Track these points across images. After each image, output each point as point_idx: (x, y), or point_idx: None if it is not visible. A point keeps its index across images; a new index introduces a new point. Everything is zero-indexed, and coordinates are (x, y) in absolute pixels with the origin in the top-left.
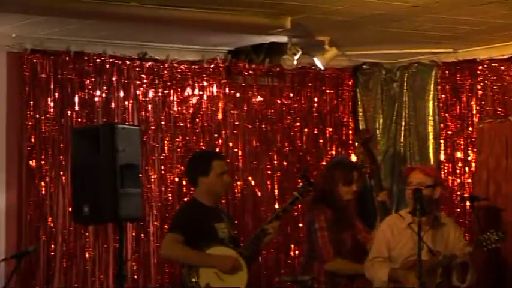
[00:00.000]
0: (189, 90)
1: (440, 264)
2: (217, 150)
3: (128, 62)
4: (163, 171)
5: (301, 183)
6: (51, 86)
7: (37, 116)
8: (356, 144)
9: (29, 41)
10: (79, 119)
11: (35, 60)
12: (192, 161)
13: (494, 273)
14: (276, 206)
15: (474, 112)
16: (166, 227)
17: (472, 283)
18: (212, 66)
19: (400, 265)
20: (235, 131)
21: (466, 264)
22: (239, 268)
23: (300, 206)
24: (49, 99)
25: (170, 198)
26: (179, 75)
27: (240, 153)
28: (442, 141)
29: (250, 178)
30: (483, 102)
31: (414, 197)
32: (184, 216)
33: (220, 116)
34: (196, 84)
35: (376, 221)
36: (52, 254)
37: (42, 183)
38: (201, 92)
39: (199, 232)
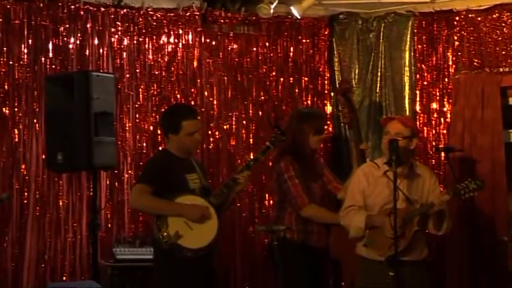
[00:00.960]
0: (164, 38)
1: (418, 213)
2: (192, 99)
3: (102, 9)
4: (137, 120)
5: (274, 133)
6: (25, 33)
7: (10, 62)
8: (332, 94)
9: None
10: (53, 66)
11: (8, 6)
12: (163, 118)
13: (468, 224)
14: (251, 155)
15: (450, 63)
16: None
17: (447, 231)
18: (188, 14)
19: (376, 213)
20: (210, 80)
21: (442, 213)
22: (208, 217)
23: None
24: (23, 46)
25: (145, 146)
26: (154, 23)
27: (215, 102)
28: (417, 91)
29: (225, 127)
30: (459, 53)
31: (390, 148)
32: (154, 166)
33: (195, 65)
34: (171, 32)
35: (353, 171)
36: (25, 201)
37: (16, 131)
38: (176, 40)
39: (169, 182)
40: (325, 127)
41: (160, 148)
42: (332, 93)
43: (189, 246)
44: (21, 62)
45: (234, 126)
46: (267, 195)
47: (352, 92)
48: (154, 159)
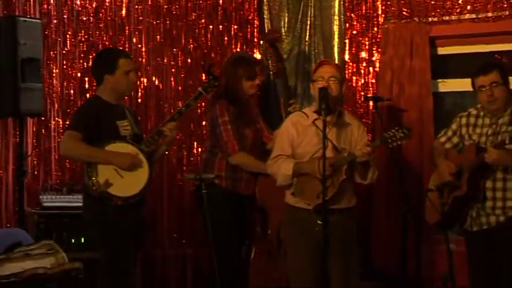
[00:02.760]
0: None
1: (344, 161)
2: (120, 46)
3: None
4: (65, 66)
5: (206, 79)
6: None
7: None
8: (261, 42)
9: None
10: None
11: None
12: (98, 58)
13: (396, 172)
14: (180, 103)
15: (379, 12)
16: (67, 122)
17: (373, 180)
18: None
19: (306, 160)
20: (139, 27)
21: (367, 162)
22: (139, 165)
23: (203, 103)
24: None
25: (72, 93)
26: None
27: (143, 49)
28: (346, 41)
29: (154, 78)
30: (388, 3)
31: (320, 96)
32: (84, 113)
33: (124, 12)
34: None
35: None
36: None
37: None
38: None
39: (100, 129)
40: (259, 73)
41: (87, 95)
42: (261, 42)
43: (119, 194)
44: None
45: (162, 74)
46: (195, 143)
47: (281, 41)
48: (84, 106)
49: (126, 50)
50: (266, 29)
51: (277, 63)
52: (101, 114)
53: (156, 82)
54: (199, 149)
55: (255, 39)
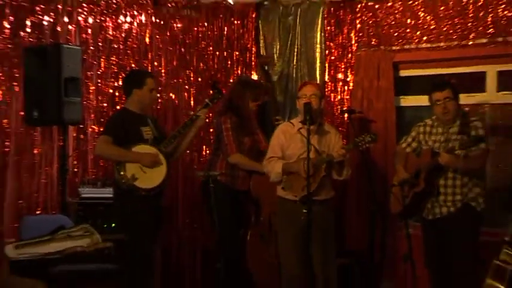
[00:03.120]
0: (122, 18)
1: (323, 161)
2: (144, 69)
3: None
4: (99, 84)
5: (212, 92)
6: (6, 11)
7: None
8: (254, 65)
9: None
10: (30, 39)
11: None
12: (129, 75)
13: (365, 172)
14: (191, 113)
15: (353, 42)
16: (101, 129)
17: (347, 177)
18: None
19: (293, 161)
20: (159, 53)
21: (342, 163)
22: (159, 162)
23: (211, 115)
24: (5, 22)
25: (105, 106)
26: (114, 5)
27: (163, 71)
28: (326, 64)
29: (170, 93)
30: (360, 34)
31: (304, 110)
32: (114, 121)
33: (147, 40)
34: (128, 13)
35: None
36: (7, 150)
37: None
38: (131, 20)
39: (126, 134)
40: (262, 95)
41: (118, 107)
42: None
43: (143, 187)
44: (3, 36)
45: (178, 90)
46: (204, 146)
47: (274, 65)
48: (115, 115)
49: (149, 71)
50: (261, 55)
51: (266, 83)
52: (127, 122)
53: (173, 97)
54: (207, 151)
55: (253, 63)
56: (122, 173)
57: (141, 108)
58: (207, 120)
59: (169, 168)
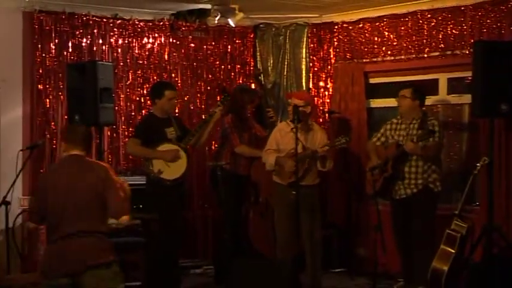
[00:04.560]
0: (145, 40)
1: (308, 155)
2: (165, 79)
3: (104, 20)
4: (128, 93)
5: (222, 96)
6: (53, 35)
7: (43, 55)
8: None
9: (37, 4)
10: (72, 58)
11: (41, 17)
12: (153, 88)
13: (343, 161)
14: (203, 116)
15: (332, 56)
16: (130, 129)
17: (330, 168)
18: (161, 23)
19: (285, 154)
20: (176, 67)
21: (325, 156)
22: (179, 157)
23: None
24: (51, 44)
25: (133, 110)
26: (139, 29)
27: (179, 81)
28: (311, 74)
29: (186, 98)
30: (337, 50)
31: (293, 111)
32: (142, 125)
33: (166, 57)
34: (150, 36)
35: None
36: (54, 146)
37: (47, 100)
38: (153, 41)
39: (152, 135)
40: (256, 99)
41: (143, 111)
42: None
43: (167, 178)
44: (50, 55)
45: (191, 97)
46: (213, 142)
47: (267, 75)
48: (143, 120)
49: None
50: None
51: (260, 90)
52: (153, 125)
53: (188, 102)
54: (215, 145)
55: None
56: (150, 167)
57: (163, 113)
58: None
59: (188, 161)
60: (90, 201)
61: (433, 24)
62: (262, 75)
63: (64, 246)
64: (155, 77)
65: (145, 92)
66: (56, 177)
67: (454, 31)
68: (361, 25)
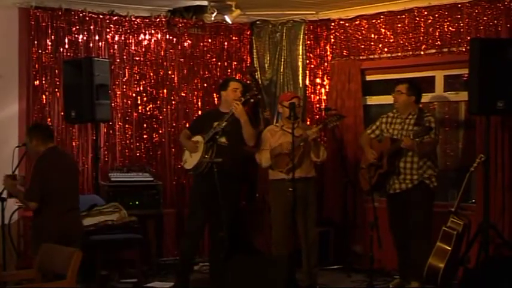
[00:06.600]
0: (142, 36)
1: (301, 140)
2: (160, 76)
3: (101, 16)
4: (124, 89)
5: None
6: (49, 31)
7: (40, 51)
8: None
9: (34, 0)
10: (68, 54)
11: (38, 14)
12: (220, 83)
13: (339, 156)
14: (199, 112)
15: (328, 53)
16: (126, 126)
17: (324, 158)
18: (157, 20)
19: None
20: (172, 64)
21: (318, 143)
22: (196, 150)
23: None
24: (48, 40)
25: (129, 107)
26: (135, 26)
27: (175, 78)
28: (307, 71)
29: (182, 94)
30: (334, 47)
31: (290, 108)
32: (196, 118)
33: (163, 54)
34: (146, 32)
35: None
36: None
37: (43, 96)
38: (150, 37)
39: (200, 127)
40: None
41: (139, 107)
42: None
43: (187, 167)
44: (47, 51)
45: (188, 93)
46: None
47: (264, 72)
48: (201, 113)
49: (165, 78)
50: (256, 65)
51: (256, 88)
52: (205, 118)
53: (184, 98)
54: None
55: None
56: (184, 157)
57: (227, 106)
58: None
59: (203, 155)
60: (78, 181)
61: (429, 21)
62: (258, 73)
63: (70, 217)
64: (151, 74)
65: (141, 88)
66: (58, 162)
67: (450, 28)
68: (357, 22)
